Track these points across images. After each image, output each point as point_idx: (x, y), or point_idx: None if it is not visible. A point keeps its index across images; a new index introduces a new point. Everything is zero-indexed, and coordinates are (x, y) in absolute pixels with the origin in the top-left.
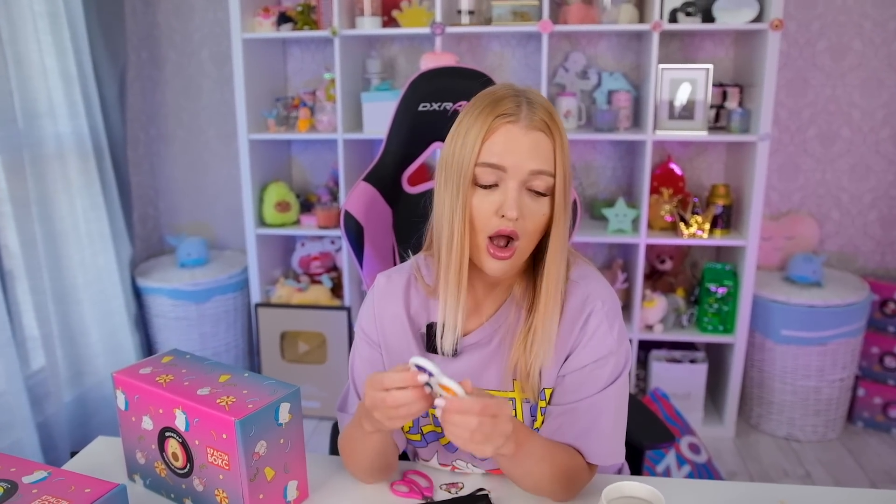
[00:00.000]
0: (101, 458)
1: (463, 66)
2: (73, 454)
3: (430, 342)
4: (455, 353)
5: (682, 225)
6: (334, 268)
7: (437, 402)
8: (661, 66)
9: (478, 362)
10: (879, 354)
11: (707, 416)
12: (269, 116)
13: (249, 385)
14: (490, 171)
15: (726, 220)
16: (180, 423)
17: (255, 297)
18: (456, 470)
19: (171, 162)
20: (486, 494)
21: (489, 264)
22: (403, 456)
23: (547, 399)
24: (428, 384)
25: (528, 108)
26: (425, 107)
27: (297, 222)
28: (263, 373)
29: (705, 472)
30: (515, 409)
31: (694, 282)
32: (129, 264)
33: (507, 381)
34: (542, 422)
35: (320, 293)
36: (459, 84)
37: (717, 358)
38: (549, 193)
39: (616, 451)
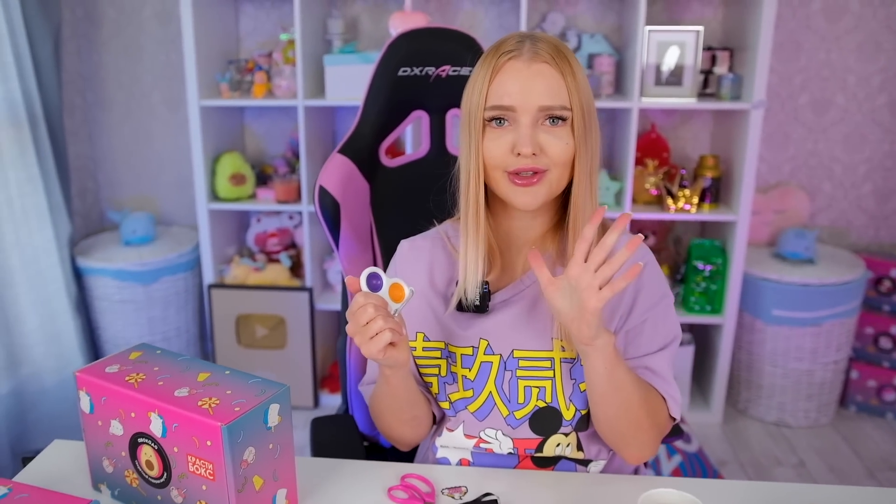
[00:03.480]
0: (60, 465)
1: (447, 27)
2: (24, 460)
3: (459, 302)
4: (485, 309)
5: (668, 199)
6: (293, 245)
7: None
8: (648, 27)
9: (510, 320)
10: (874, 335)
11: (693, 401)
12: (223, 81)
13: (233, 384)
14: (497, 111)
15: (715, 193)
16: (156, 428)
17: (208, 277)
18: (482, 443)
19: (112, 130)
20: (495, 500)
21: (517, 197)
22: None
23: None
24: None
25: (531, 43)
26: (405, 71)
27: (252, 196)
28: (217, 360)
29: (697, 462)
30: (554, 370)
31: (679, 259)
32: (68, 243)
33: (544, 341)
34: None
35: (279, 273)
36: (443, 46)
37: (703, 340)
38: (569, 126)
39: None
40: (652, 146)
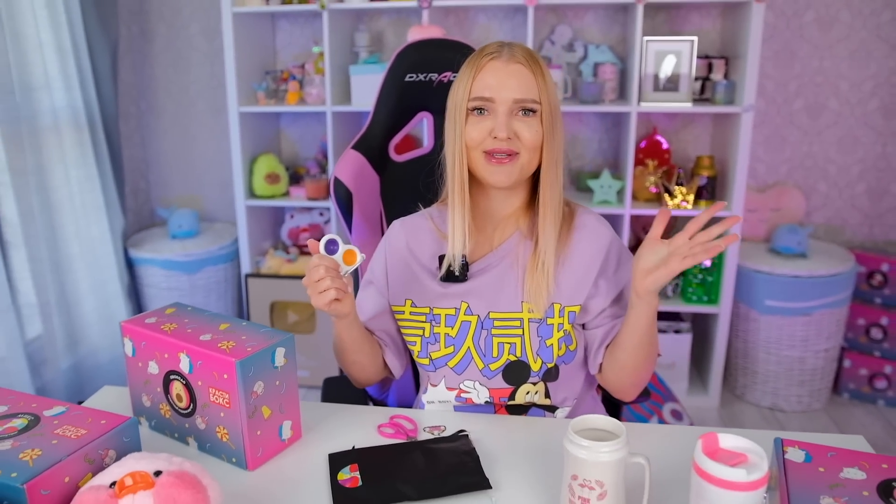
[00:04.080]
0: (108, 403)
1: (448, 38)
2: (79, 403)
3: (446, 272)
4: (464, 278)
5: (666, 196)
6: None
7: None
8: (646, 38)
9: (486, 285)
10: (866, 326)
11: (692, 385)
12: (259, 89)
13: (247, 332)
14: (480, 102)
15: (711, 190)
16: (184, 366)
17: (245, 267)
18: (463, 394)
19: (161, 135)
20: (466, 434)
21: (493, 174)
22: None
23: (566, 316)
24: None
25: (509, 48)
26: (412, 77)
27: (286, 194)
28: None
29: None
30: (523, 329)
31: None
32: (121, 235)
33: (515, 304)
34: (558, 339)
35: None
36: (445, 55)
37: (701, 328)
38: (538, 118)
39: None
40: (654, 147)
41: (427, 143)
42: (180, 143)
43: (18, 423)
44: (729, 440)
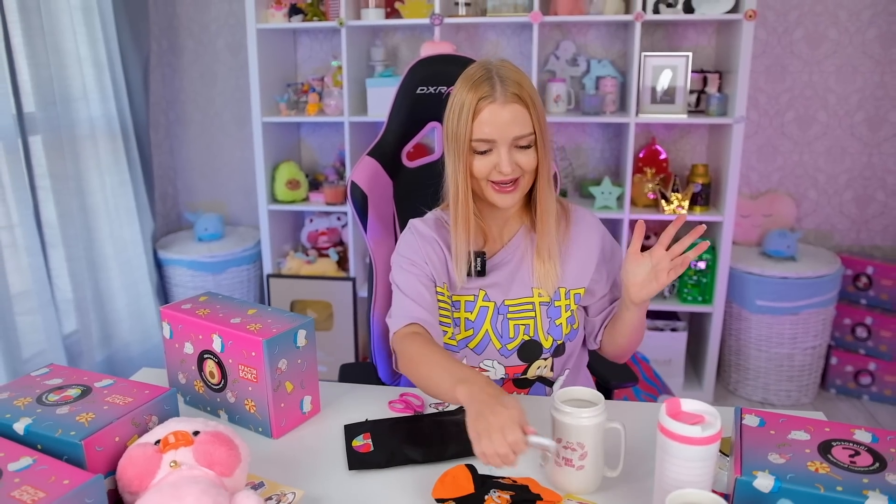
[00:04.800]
0: (147, 381)
1: (457, 53)
2: None
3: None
4: (484, 274)
5: (663, 202)
6: (340, 242)
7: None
8: (644, 53)
9: (503, 277)
10: (851, 325)
11: (687, 381)
12: (281, 101)
13: (273, 316)
14: (483, 144)
15: (705, 197)
16: (217, 345)
17: (267, 268)
18: (482, 372)
19: (189, 144)
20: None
21: (498, 200)
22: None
23: (571, 298)
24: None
25: (501, 86)
26: (423, 90)
27: (306, 199)
28: None
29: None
30: (535, 311)
31: None
32: (151, 237)
33: (527, 290)
34: (566, 319)
35: (327, 265)
36: (453, 70)
37: (696, 327)
38: (533, 145)
39: None
40: (653, 156)
41: (436, 150)
42: (206, 152)
43: (73, 392)
44: (689, 404)
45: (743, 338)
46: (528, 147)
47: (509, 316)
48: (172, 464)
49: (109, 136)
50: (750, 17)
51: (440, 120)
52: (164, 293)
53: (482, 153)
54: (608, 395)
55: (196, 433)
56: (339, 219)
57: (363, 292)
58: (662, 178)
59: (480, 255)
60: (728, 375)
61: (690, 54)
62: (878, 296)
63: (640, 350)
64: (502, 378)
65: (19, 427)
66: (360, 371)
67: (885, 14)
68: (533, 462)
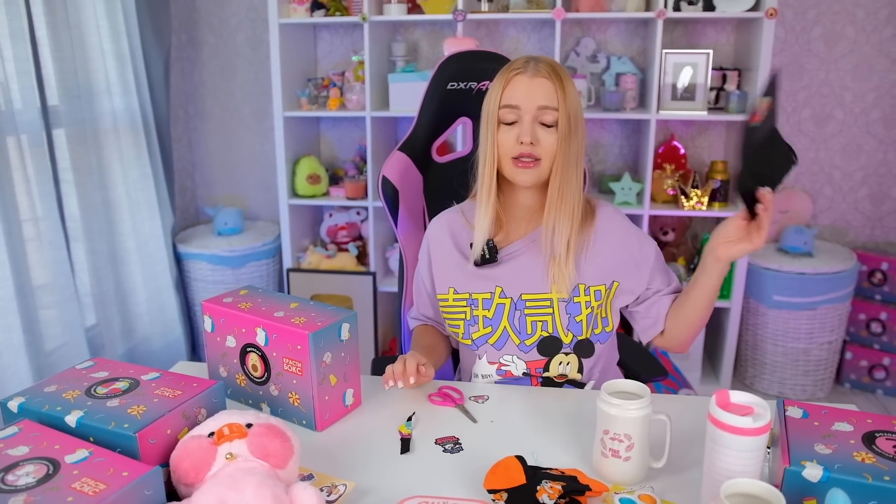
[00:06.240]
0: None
1: (487, 49)
2: None
3: (479, 257)
4: (495, 259)
5: (682, 198)
6: (359, 237)
7: None
8: (665, 50)
9: (517, 270)
10: (866, 321)
11: (704, 375)
12: (303, 95)
13: (316, 309)
14: (509, 111)
15: (724, 193)
16: (260, 339)
17: (287, 262)
18: (502, 367)
19: (208, 138)
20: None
21: (518, 175)
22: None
23: (603, 297)
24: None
25: (534, 63)
26: (453, 86)
27: (326, 194)
28: None
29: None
30: (553, 307)
31: (694, 252)
32: (171, 232)
33: (544, 285)
34: (586, 316)
35: (347, 260)
36: (483, 65)
37: (714, 321)
38: (556, 126)
39: None
40: (672, 153)
41: (465, 145)
42: (225, 146)
43: (122, 384)
44: (738, 396)
45: (760, 333)
46: (551, 126)
47: (526, 312)
48: (228, 456)
49: (132, 130)
50: (771, 15)
51: (470, 115)
52: (182, 287)
53: (508, 124)
54: None
55: (249, 425)
56: (358, 213)
57: (384, 287)
58: (682, 175)
59: (488, 242)
60: (744, 370)
61: (711, 52)
62: (893, 291)
63: None
64: (525, 373)
65: (71, 419)
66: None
67: None
68: (579, 453)
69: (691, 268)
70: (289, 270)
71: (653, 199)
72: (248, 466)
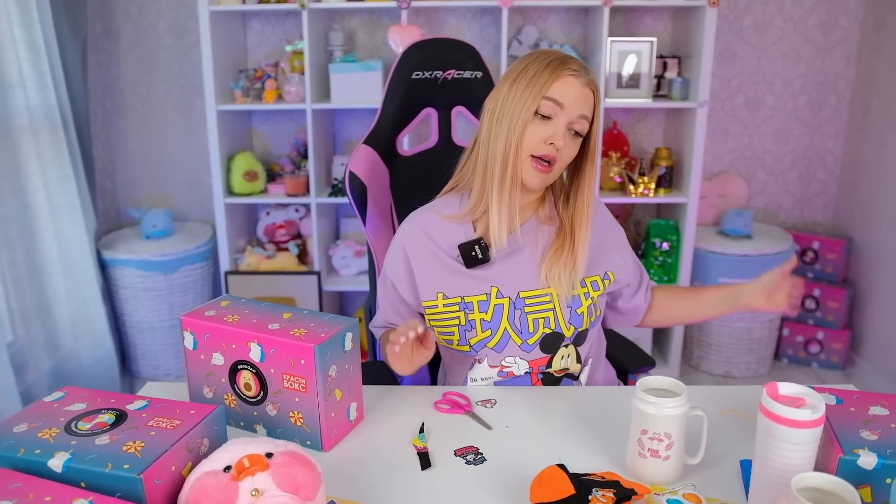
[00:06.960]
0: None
1: (452, 38)
2: None
3: (467, 258)
4: (488, 258)
5: (630, 185)
6: (298, 235)
7: None
8: (611, 38)
9: (511, 268)
10: (801, 298)
11: (653, 356)
12: (236, 88)
13: (313, 319)
14: (551, 105)
15: (669, 180)
16: (255, 355)
17: (224, 265)
18: (504, 369)
19: (129, 135)
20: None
21: (533, 177)
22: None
23: (601, 288)
24: None
25: (586, 72)
26: (418, 75)
27: (264, 191)
28: None
29: None
30: (554, 302)
31: (638, 238)
32: (94, 237)
33: (541, 282)
34: (587, 307)
35: (287, 260)
36: (449, 54)
37: None
38: (583, 136)
39: None
40: (616, 140)
41: (432, 137)
42: (147, 143)
43: (106, 417)
44: (786, 388)
45: None
46: (576, 135)
47: (527, 310)
48: (254, 493)
49: (50, 127)
50: (713, 3)
51: (436, 105)
52: (109, 296)
53: (543, 118)
54: (625, 382)
55: (269, 455)
56: (297, 210)
57: (329, 286)
58: (627, 162)
59: (478, 241)
60: (691, 351)
61: (655, 40)
62: (824, 269)
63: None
64: (527, 371)
65: (56, 464)
66: (373, 370)
67: (826, 3)
68: (606, 455)
69: (638, 254)
70: (227, 273)
71: (600, 188)
72: (277, 503)
